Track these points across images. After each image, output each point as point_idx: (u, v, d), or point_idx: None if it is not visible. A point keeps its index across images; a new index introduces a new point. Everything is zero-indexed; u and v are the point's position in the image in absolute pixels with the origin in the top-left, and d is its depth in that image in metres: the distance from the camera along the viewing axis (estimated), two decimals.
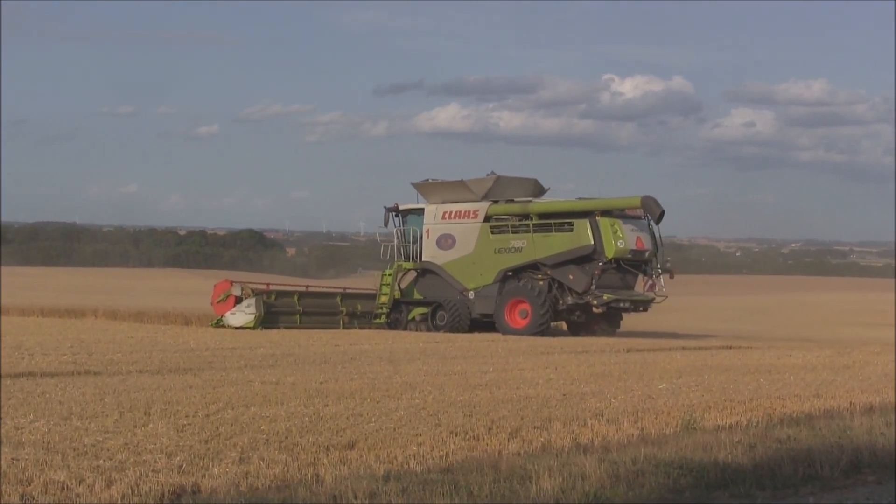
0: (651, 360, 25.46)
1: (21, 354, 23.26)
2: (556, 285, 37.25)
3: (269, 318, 37.39)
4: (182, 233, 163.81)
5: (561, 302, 37.13)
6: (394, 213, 40.53)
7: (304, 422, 13.82)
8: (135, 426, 13.25)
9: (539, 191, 40.08)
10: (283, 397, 16.32)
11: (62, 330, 32.68)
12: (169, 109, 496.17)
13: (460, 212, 39.29)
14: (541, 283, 37.38)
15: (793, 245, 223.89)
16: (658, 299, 37.48)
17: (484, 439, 12.78)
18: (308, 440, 12.39)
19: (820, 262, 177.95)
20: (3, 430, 12.78)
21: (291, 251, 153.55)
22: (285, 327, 36.94)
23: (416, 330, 38.60)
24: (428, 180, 40.28)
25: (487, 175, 39.42)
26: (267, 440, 12.37)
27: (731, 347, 31.04)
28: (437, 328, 38.43)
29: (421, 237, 39.89)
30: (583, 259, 36.80)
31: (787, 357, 27.02)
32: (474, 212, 39.00)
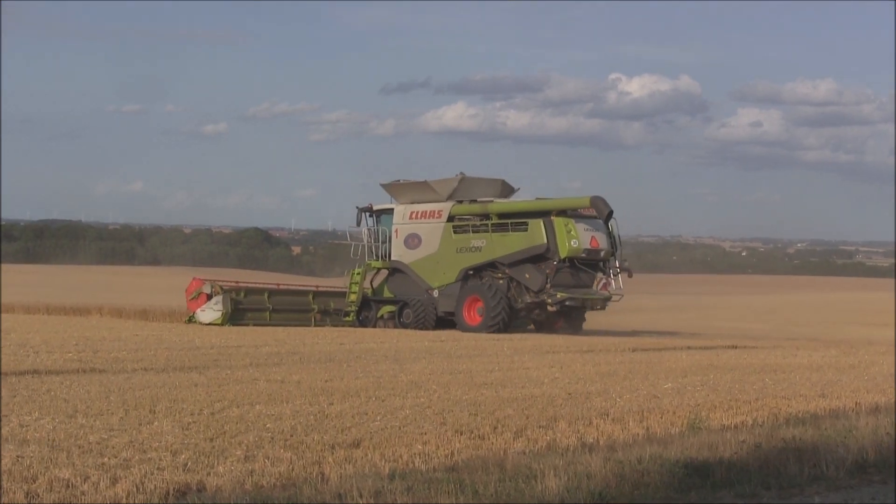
0: (656, 359, 25.45)
1: (26, 352, 23.27)
2: (515, 284, 38.02)
3: (236, 315, 38.26)
4: (187, 231, 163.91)
5: (519, 300, 37.86)
6: (367, 213, 41.47)
7: (310, 420, 13.82)
8: (140, 424, 13.26)
9: (507, 191, 40.99)
10: (289, 396, 16.32)
11: (67, 328, 32.69)
12: (175, 107, 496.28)
13: (426, 212, 40.22)
14: (500, 281, 38.19)
15: (798, 245, 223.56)
16: (615, 298, 38.04)
17: (489, 438, 12.78)
18: (313, 438, 12.39)
19: (826, 262, 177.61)
20: (8, 428, 12.80)
21: (297, 249, 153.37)
22: (254, 324, 37.68)
23: (385, 327, 39.56)
24: (399, 181, 41.17)
25: (455, 175, 40.25)
26: (272, 438, 12.37)
27: (736, 347, 31.00)
28: (403, 325, 39.36)
29: (390, 237, 40.74)
30: (538, 258, 37.58)
31: (792, 357, 26.99)
32: (438, 212, 39.91)
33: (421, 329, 38.14)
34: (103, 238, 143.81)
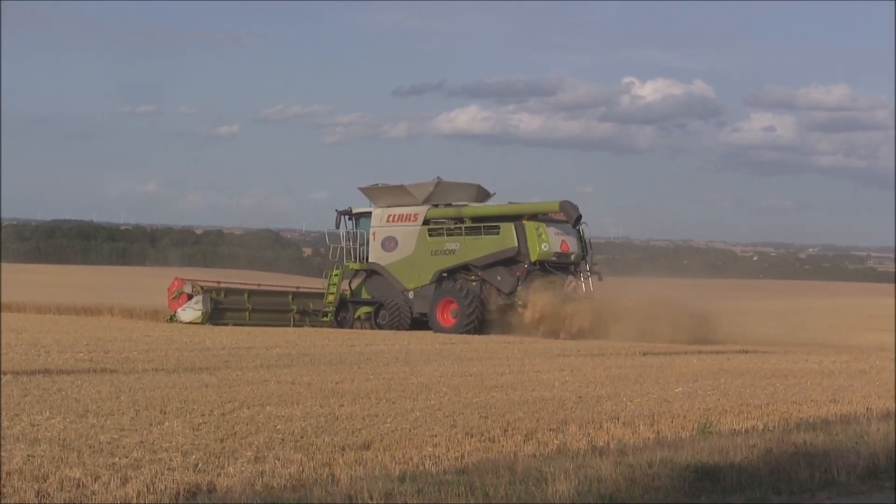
0: (667, 363, 25.42)
1: (38, 352, 23.33)
2: (487, 286, 38.80)
3: (216, 314, 39.14)
4: (199, 232, 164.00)
5: (492, 302, 38.46)
6: (346, 217, 42.39)
7: (320, 422, 13.82)
8: (150, 424, 13.27)
9: (483, 195, 41.87)
10: (299, 397, 16.33)
11: (78, 328, 32.77)
12: (189, 109, 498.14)
13: (402, 215, 41.11)
14: (473, 284, 38.97)
15: (810, 250, 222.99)
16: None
17: (499, 441, 12.77)
18: (324, 440, 12.39)
19: (837, 267, 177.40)
20: (19, 427, 12.84)
21: (307, 251, 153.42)
22: (234, 324, 38.43)
23: (361, 328, 40.39)
24: (378, 184, 41.97)
25: (432, 180, 40.95)
26: (282, 440, 12.38)
27: (747, 352, 30.95)
28: (379, 326, 40.24)
29: (368, 239, 41.58)
30: (509, 261, 38.46)
31: (803, 362, 26.93)
32: (414, 215, 40.79)
33: (396, 329, 38.94)
34: (115, 239, 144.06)
